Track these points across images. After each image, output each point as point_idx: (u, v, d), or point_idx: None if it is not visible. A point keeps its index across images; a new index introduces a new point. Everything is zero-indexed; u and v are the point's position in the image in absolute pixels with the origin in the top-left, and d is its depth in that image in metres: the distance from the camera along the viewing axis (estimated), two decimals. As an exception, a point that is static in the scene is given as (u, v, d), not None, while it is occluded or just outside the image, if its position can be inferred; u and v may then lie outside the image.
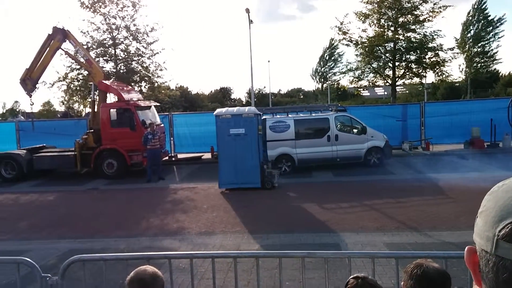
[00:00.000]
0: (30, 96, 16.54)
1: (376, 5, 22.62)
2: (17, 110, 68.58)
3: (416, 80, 25.10)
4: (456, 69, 38.91)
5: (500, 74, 45.31)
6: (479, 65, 35.89)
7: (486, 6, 35.72)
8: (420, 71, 23.58)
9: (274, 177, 12.50)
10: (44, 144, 17.64)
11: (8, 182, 15.27)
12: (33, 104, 16.95)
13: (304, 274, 3.43)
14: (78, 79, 22.37)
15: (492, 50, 35.75)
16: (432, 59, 23.01)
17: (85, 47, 19.49)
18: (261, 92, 62.09)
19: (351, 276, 2.17)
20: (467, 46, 35.60)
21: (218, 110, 12.89)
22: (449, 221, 8.41)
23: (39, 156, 16.15)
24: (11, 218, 10.29)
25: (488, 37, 35.39)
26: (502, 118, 17.36)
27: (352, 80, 25.26)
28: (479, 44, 35.46)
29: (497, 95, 35.57)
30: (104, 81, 16.36)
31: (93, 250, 6.40)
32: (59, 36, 15.99)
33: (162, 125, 17.29)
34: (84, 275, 3.45)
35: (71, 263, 3.40)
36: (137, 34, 22.23)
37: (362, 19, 22.80)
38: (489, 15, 35.68)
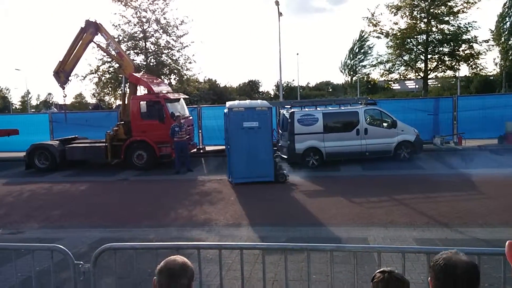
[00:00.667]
0: (63, 88, 16.98)
1: (408, -3, 22.04)
2: (50, 102, 70.78)
3: (449, 73, 24.34)
4: (490, 62, 37.32)
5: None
6: (514, 57, 34.46)
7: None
8: (454, 63, 22.84)
9: (285, 170, 12.52)
10: (76, 135, 18.13)
11: (42, 172, 15.78)
12: (66, 96, 17.43)
13: (332, 268, 3.39)
14: (109, 71, 22.78)
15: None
16: (466, 52, 22.27)
17: (116, 40, 19.83)
18: (289, 85, 61.78)
19: (378, 270, 2.12)
20: (502, 38, 34.24)
21: (230, 103, 12.73)
22: (481, 217, 8.16)
23: (72, 147, 16.61)
24: (45, 206, 10.64)
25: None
26: (540, 112, 16.64)
27: (383, 73, 24.74)
28: (516, 36, 34.03)
29: (533, 89, 34.16)
30: (135, 74, 16.61)
31: (122, 239, 6.54)
32: (91, 29, 16.31)
33: (191, 117, 17.45)
34: (115, 263, 3.51)
35: (102, 251, 3.48)
36: (167, 27, 22.43)
37: (394, 11, 22.25)
38: (526, 5, 34.17)
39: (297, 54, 69.31)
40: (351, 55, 50.57)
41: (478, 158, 14.62)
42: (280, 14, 25.57)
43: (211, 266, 5.51)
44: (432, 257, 1.89)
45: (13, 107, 65.86)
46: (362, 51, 49.06)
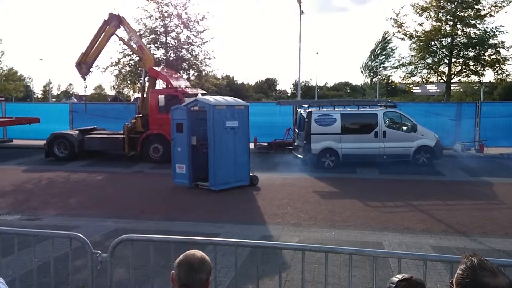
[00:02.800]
0: (85, 79, 17.22)
1: (435, -2, 21.59)
2: (71, 92, 71.89)
3: (473, 78, 23.80)
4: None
5: None
6: (542, 64, 33.55)
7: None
8: (479, 68, 22.32)
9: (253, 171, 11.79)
10: (95, 126, 18.37)
11: (61, 161, 16.03)
12: (86, 87, 17.68)
13: (350, 271, 3.32)
14: (130, 64, 23.02)
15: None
16: (492, 57, 21.72)
17: (137, 34, 20.00)
18: (307, 84, 61.49)
19: (399, 279, 2.01)
20: (531, 44, 33.34)
21: (209, 99, 11.33)
22: (502, 228, 7.94)
23: (90, 137, 16.83)
24: (62, 194, 10.79)
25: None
26: None
27: (404, 75, 24.35)
28: (545, 42, 33.05)
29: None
30: (154, 68, 16.73)
31: (136, 230, 6.56)
32: (114, 22, 16.47)
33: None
34: (132, 254, 3.52)
35: (120, 241, 3.48)
36: (188, 22, 22.52)
37: (419, 12, 21.83)
38: (557, 11, 33.14)
39: (317, 53, 69.18)
40: (372, 56, 50.07)
41: (500, 167, 14.28)
42: (301, 12, 25.42)
43: (223, 262, 5.48)
44: (454, 267, 1.77)
45: (35, 96, 67.18)
46: (384, 52, 48.52)
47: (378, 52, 49.48)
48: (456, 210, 9.28)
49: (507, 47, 21.53)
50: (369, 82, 51.45)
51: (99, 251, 3.49)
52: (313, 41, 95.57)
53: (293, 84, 61.48)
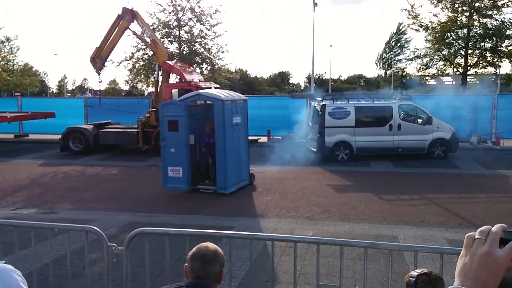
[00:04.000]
0: (99, 74, 17.35)
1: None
2: (86, 87, 72.66)
3: (490, 69, 23.36)
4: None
5: None
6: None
7: None
8: (496, 60, 21.88)
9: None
10: (110, 120, 18.53)
11: (76, 155, 16.24)
12: (101, 81, 17.83)
13: (366, 264, 3.30)
14: (143, 59, 23.13)
15: None
16: (509, 48, 21.27)
17: (151, 28, 20.06)
18: (321, 77, 61.10)
19: (417, 273, 2.00)
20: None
21: (215, 93, 10.40)
22: (519, 221, 7.80)
23: (105, 131, 16.99)
24: (77, 188, 10.94)
25: None
26: None
27: (420, 67, 24.01)
28: None
29: None
30: (168, 62, 16.76)
31: (151, 224, 6.61)
32: (128, 16, 16.53)
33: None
34: (147, 247, 3.55)
35: (136, 234, 3.51)
36: (201, 15, 22.51)
37: (435, 2, 21.46)
38: None
39: (330, 46, 68.57)
40: (387, 48, 49.44)
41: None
42: (315, 4, 25.20)
43: (238, 255, 5.50)
44: None
45: (50, 91, 68.10)
46: (399, 44, 47.85)
47: (393, 44, 48.81)
48: (472, 203, 9.15)
49: (525, 38, 21.07)
50: (383, 75, 50.86)
51: (115, 244, 3.52)
52: (327, 34, 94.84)
53: (306, 77, 61.14)
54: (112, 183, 11.81)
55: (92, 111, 20.74)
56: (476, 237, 0.89)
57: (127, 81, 30.81)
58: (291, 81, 71.33)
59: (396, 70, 43.35)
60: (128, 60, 22.94)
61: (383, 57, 50.17)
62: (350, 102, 14.62)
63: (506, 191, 10.22)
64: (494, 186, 10.67)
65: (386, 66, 49.57)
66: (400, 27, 44.24)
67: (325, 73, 62.92)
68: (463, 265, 0.89)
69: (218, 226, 7.42)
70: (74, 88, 76.70)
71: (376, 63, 51.70)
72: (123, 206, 9.12)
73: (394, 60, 47.34)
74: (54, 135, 18.60)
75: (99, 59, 16.94)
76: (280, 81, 67.70)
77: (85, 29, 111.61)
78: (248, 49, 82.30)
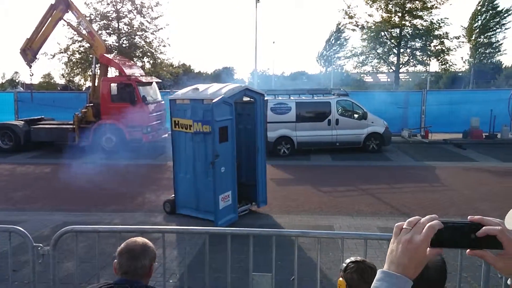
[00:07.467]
0: (30, 66, 16.40)
1: (384, -11, 22.27)
2: (17, 81, 68.14)
3: (420, 67, 24.88)
4: (459, 59, 38.22)
5: (503, 66, 45.10)
6: (483, 55, 35.57)
7: (496, -4, 35.21)
8: (425, 58, 23.35)
9: None
10: (43, 116, 17.60)
11: (5, 153, 15.26)
12: (32, 75, 16.83)
13: (296, 252, 3.44)
14: (80, 51, 22.17)
15: (498, 41, 35.40)
16: (437, 47, 22.77)
17: (88, 19, 19.23)
18: (264, 73, 61.71)
19: (350, 261, 2.12)
20: (473, 36, 35.22)
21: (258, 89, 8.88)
22: (442, 208, 8.46)
23: (37, 128, 16.11)
24: (7, 188, 10.32)
25: (494, 28, 34.99)
26: (502, 110, 17.32)
27: (356, 65, 25.07)
28: (486, 35, 35.08)
29: (499, 86, 35.46)
30: (106, 55, 16.19)
31: (87, 223, 6.43)
32: (62, 6, 15.74)
33: (163, 102, 17.19)
34: (76, 246, 3.44)
35: (63, 233, 3.40)
36: (141, 8, 21.94)
37: (370, 3, 22.46)
38: (498, 6, 35.21)
39: (273, 42, 69.37)
40: (327, 46, 50.88)
41: (442, 152, 15.14)
42: (257, 0, 25.41)
43: (176, 251, 5.49)
44: None
45: (-23, 85, 63.07)
46: (338, 42, 49.43)
47: (333, 42, 50.36)
48: (402, 193, 9.78)
49: (450, 38, 22.66)
50: (324, 72, 52.36)
51: (41, 245, 3.39)
52: (270, 30, 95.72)
53: (250, 73, 61.50)
54: (45, 182, 11.25)
55: (23, 106, 19.50)
56: (404, 226, 0.98)
57: (62, 75, 29.27)
58: (235, 77, 71.38)
59: (335, 67, 44.84)
60: (63, 52, 21.88)
61: (323, 54, 51.62)
62: (291, 97, 14.98)
63: (433, 181, 11.00)
64: (422, 177, 11.44)
65: (327, 64, 51.09)
66: (339, 26, 45.75)
67: (269, 69, 63.62)
68: (390, 251, 0.98)
69: (156, 223, 7.34)
70: (3, 82, 71.62)
71: (317, 60, 53.12)
72: (57, 206, 8.74)
73: (334, 57, 48.89)
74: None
75: (30, 51, 15.99)
76: (225, 77, 67.51)
77: (16, 19, 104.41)
78: (192, 44, 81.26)
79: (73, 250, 3.46)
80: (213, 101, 7.09)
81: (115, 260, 2.06)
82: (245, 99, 8.25)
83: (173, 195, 8.10)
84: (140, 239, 2.17)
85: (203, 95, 7.54)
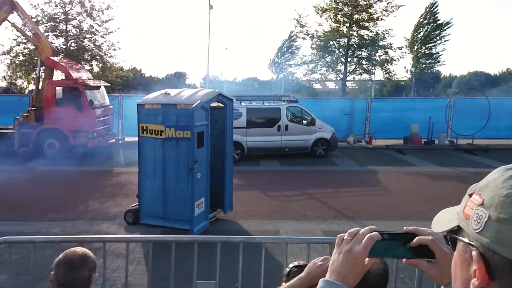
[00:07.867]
0: (-33, 68, 15.49)
1: (333, 1, 23.04)
2: (-47, 82, 63.52)
3: (365, 76, 25.92)
4: (402, 69, 40.17)
5: (442, 75, 48.12)
6: (423, 65, 37.60)
7: (437, 10, 37.39)
8: (370, 67, 24.39)
9: None
10: (-20, 120, 16.60)
11: None
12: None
13: (241, 259, 3.53)
14: (24, 53, 21.21)
15: (438, 52, 37.57)
16: (381, 57, 23.84)
17: (34, 20, 18.45)
18: (216, 79, 61.60)
19: (293, 265, 2.17)
20: (415, 47, 37.15)
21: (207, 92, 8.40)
22: (383, 211, 8.91)
23: (-28, 132, 15.18)
24: None
25: (435, 40, 37.11)
26: (440, 117, 18.39)
27: (306, 72, 25.72)
28: (427, 46, 37.10)
29: (437, 95, 37.66)
30: (52, 57, 15.64)
31: (23, 233, 6.16)
32: (6, 6, 15.07)
33: (111, 106, 16.79)
34: (9, 258, 3.33)
35: (-5, 245, 3.28)
36: (91, 10, 21.32)
37: (320, 13, 23.15)
38: (439, 19, 37.40)
39: (226, 48, 69.50)
40: (279, 54, 51.68)
41: (384, 157, 15.90)
42: (211, 6, 25.42)
43: (119, 260, 5.42)
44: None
45: None
46: (290, 50, 50.37)
47: (284, 49, 51.24)
48: (346, 197, 10.18)
49: (394, 49, 23.83)
50: (276, 78, 53.09)
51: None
52: (223, 36, 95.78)
53: (202, 78, 61.21)
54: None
55: (-41, 110, 18.31)
56: (345, 237, 1.02)
57: (4, 77, 27.75)
58: (187, 81, 70.72)
59: (287, 74, 45.67)
60: (5, 54, 20.87)
61: (275, 61, 52.38)
62: (242, 103, 15.13)
63: (376, 185, 11.52)
64: (366, 181, 11.95)
65: (278, 70, 51.90)
66: (292, 35, 46.68)
67: (221, 74, 63.63)
68: (332, 261, 1.03)
69: (98, 231, 7.18)
70: None
71: (269, 67, 53.81)
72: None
73: (285, 65, 49.79)
74: None
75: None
76: (176, 82, 66.71)
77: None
78: (144, 48, 79.59)
79: (6, 262, 3.34)
80: (193, 105, 7.00)
81: (52, 272, 2.00)
82: (212, 104, 8.16)
83: (136, 204, 7.85)
84: (80, 249, 2.10)
85: (176, 100, 7.44)
